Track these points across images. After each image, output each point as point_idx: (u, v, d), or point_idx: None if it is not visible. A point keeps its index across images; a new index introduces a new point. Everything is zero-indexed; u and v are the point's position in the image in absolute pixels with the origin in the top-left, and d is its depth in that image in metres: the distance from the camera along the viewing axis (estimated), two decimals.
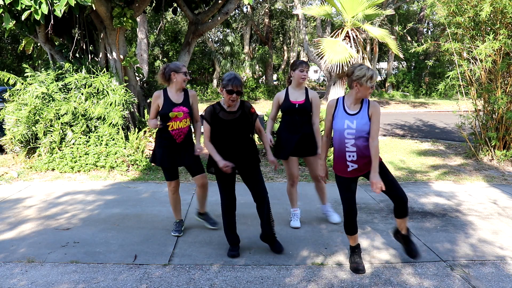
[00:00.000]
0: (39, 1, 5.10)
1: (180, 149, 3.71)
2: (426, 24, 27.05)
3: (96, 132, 6.51)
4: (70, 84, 6.71)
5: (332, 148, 3.22)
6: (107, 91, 6.68)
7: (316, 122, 3.99)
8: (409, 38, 26.89)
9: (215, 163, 3.31)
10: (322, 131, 5.92)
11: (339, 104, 3.10)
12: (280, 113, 4.18)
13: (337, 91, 9.58)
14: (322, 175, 3.39)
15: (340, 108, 3.08)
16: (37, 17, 5.14)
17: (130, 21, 6.91)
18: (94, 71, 6.96)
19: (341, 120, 3.04)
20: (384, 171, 3.10)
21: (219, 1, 8.12)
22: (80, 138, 6.41)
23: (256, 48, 26.80)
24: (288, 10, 24.79)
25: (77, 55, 7.63)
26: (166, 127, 3.67)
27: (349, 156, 3.04)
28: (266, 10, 24.28)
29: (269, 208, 3.44)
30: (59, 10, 5.15)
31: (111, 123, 6.50)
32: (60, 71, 6.91)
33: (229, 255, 3.42)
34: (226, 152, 3.32)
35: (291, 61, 27.78)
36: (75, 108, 6.45)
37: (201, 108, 5.31)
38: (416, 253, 3.29)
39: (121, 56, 7.48)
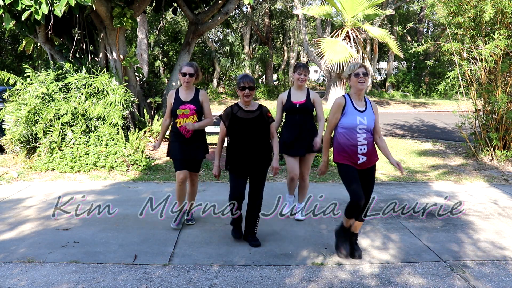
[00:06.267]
0: (39, 1, 5.11)
1: (191, 143, 3.88)
2: (426, 24, 27.05)
3: (96, 132, 6.51)
4: (70, 84, 6.71)
5: (334, 144, 3.33)
6: (107, 91, 6.68)
7: (322, 119, 4.17)
8: (409, 38, 26.89)
9: (231, 162, 3.54)
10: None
11: (348, 101, 3.24)
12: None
13: (337, 91, 9.60)
14: (324, 171, 3.50)
15: (349, 105, 3.23)
16: (37, 17, 5.14)
17: (130, 21, 6.92)
18: (94, 71, 6.95)
19: (353, 116, 3.20)
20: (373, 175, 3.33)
21: (219, 1, 8.12)
22: (80, 138, 6.40)
23: (256, 48, 26.79)
24: (288, 10, 24.78)
25: (77, 55, 7.63)
26: (175, 123, 3.86)
27: (361, 149, 3.21)
28: (266, 10, 24.28)
29: (259, 208, 3.65)
30: (59, 10, 5.15)
31: (111, 123, 6.50)
32: (60, 71, 6.91)
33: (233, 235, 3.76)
34: (242, 150, 3.49)
35: (291, 61, 27.80)
36: (75, 108, 6.45)
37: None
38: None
39: (121, 56, 7.48)
